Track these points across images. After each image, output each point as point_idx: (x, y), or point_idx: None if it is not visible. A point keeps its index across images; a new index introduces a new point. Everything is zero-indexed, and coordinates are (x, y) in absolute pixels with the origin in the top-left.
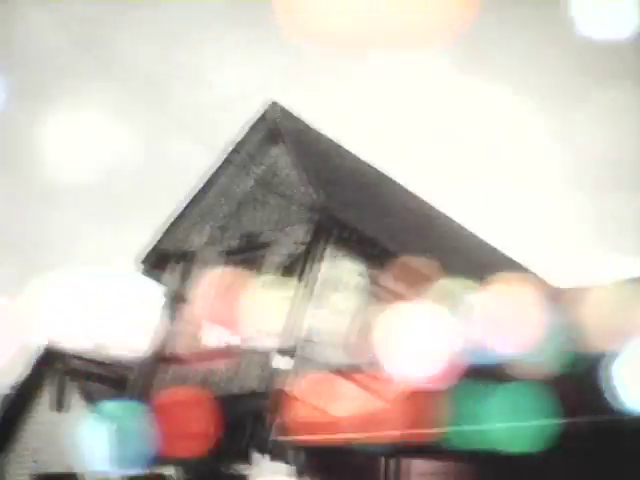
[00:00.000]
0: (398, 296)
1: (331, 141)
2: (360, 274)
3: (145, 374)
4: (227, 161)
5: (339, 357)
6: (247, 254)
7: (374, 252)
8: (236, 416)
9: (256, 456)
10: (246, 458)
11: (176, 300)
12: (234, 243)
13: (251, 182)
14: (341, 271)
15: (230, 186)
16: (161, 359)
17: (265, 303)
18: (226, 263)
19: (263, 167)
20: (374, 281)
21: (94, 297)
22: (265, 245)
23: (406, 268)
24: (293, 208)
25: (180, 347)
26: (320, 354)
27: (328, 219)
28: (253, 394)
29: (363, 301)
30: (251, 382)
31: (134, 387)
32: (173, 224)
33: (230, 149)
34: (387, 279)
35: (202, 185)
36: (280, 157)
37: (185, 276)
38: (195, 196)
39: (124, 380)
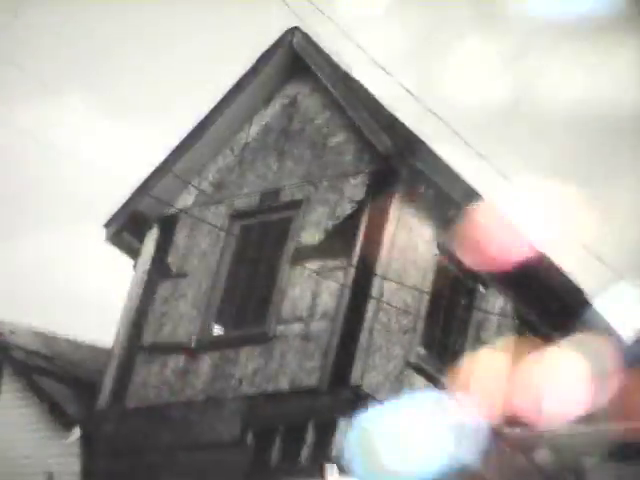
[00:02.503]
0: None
1: (360, 83)
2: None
3: (125, 369)
4: (225, 101)
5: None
6: (266, 216)
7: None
8: (286, 420)
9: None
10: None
11: (156, 274)
12: (241, 203)
13: (259, 127)
14: (413, 237)
15: (228, 132)
16: (144, 350)
17: (305, 282)
18: (232, 228)
19: (277, 108)
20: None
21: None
22: (294, 204)
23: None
24: (330, 157)
25: (172, 334)
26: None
27: (397, 168)
28: (310, 391)
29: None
30: (303, 376)
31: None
32: (150, 179)
33: (230, 86)
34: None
35: (189, 132)
36: (304, 95)
37: (166, 245)
38: (180, 145)
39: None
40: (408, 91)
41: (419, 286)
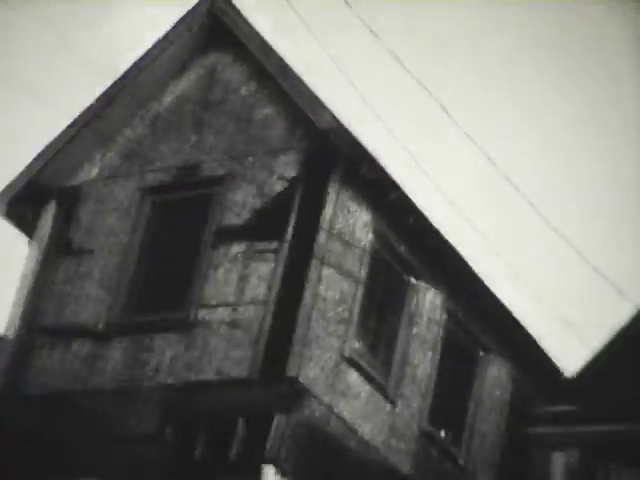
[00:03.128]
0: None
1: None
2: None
3: (21, 354)
4: (135, 68)
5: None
6: (183, 192)
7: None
8: (212, 413)
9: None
10: (240, 470)
11: (56, 252)
12: (153, 178)
13: (173, 97)
14: (351, 224)
15: (138, 102)
16: (44, 332)
17: (230, 265)
18: (143, 204)
19: (194, 77)
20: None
21: None
22: (215, 181)
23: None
24: (256, 132)
25: (76, 316)
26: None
27: (335, 144)
28: (239, 382)
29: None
30: (230, 366)
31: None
32: (50, 148)
33: (145, 50)
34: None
35: (95, 100)
36: (225, 65)
37: (67, 220)
38: (86, 111)
39: None
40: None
41: (356, 274)
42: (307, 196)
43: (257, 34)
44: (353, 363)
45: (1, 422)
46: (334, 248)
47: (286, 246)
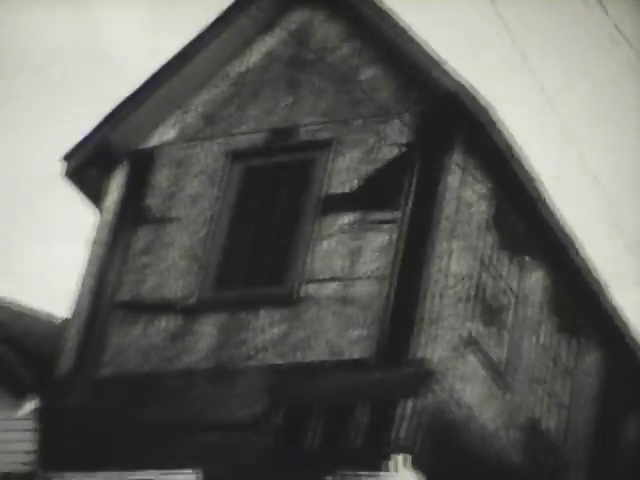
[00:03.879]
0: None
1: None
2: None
3: (94, 331)
4: (215, 25)
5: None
6: (278, 157)
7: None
8: (327, 397)
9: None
10: (363, 460)
11: (132, 220)
12: (243, 141)
13: (260, 55)
14: (475, 194)
15: (219, 60)
16: (121, 308)
17: (339, 236)
18: (232, 170)
19: (284, 34)
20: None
21: None
22: (316, 145)
23: None
24: (361, 93)
25: (158, 289)
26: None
27: (460, 107)
28: (357, 364)
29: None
30: (345, 346)
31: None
32: (122, 107)
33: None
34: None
35: (172, 57)
36: (320, 21)
37: (142, 185)
38: (160, 71)
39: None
40: None
41: (480, 250)
42: (427, 163)
43: None
44: (473, 345)
45: (74, 407)
46: (459, 220)
47: (405, 217)
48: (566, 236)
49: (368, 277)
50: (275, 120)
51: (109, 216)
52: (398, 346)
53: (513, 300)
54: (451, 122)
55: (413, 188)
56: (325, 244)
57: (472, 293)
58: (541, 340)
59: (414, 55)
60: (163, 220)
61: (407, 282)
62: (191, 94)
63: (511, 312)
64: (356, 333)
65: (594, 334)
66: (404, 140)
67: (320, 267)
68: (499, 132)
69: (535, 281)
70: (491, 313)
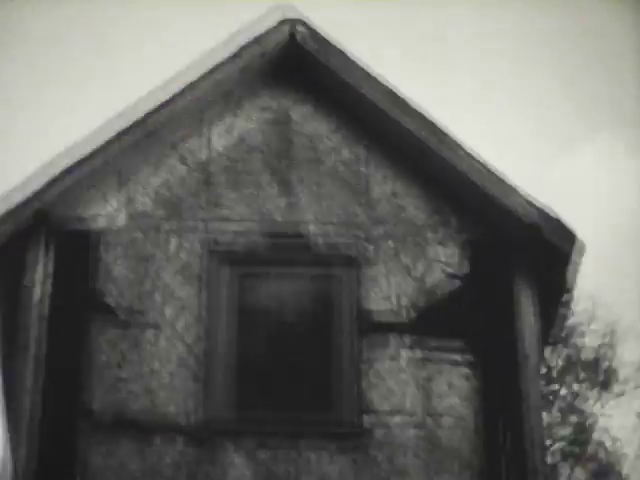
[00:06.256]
0: None
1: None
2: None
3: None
4: (177, 95)
5: None
6: (288, 268)
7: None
8: None
9: None
10: None
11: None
12: (232, 240)
13: (228, 140)
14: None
15: (172, 135)
16: (94, 421)
17: (394, 363)
18: (222, 272)
19: (255, 121)
20: None
21: None
22: (343, 260)
23: None
24: (385, 206)
25: (148, 405)
26: None
27: (537, 242)
28: None
29: None
30: None
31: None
32: (60, 175)
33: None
34: None
35: (137, 118)
36: (307, 113)
37: (83, 268)
38: (105, 145)
39: None
40: None
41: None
42: (493, 293)
43: (374, 78)
44: None
45: None
46: (538, 356)
47: (479, 350)
48: None
49: (442, 415)
50: (269, 222)
51: (36, 298)
52: None
53: None
54: (524, 253)
55: (482, 319)
56: (381, 370)
57: None
58: None
59: (462, 173)
60: (137, 323)
61: (495, 423)
62: (138, 171)
63: None
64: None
65: None
66: (456, 267)
67: (380, 396)
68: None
69: None
70: None
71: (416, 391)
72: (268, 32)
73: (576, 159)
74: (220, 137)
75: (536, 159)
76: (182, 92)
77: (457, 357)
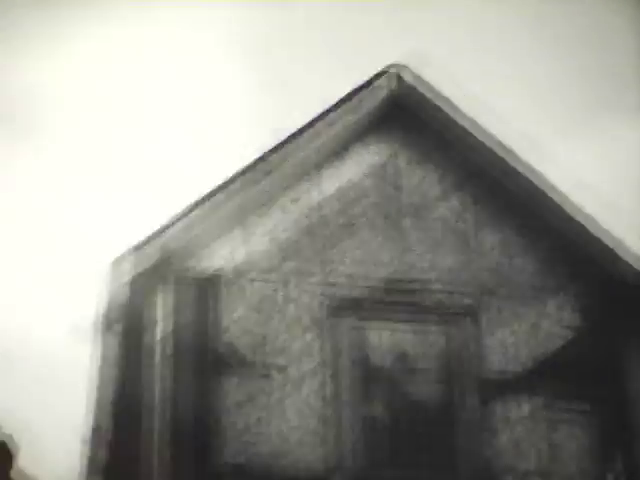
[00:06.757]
0: None
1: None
2: None
3: None
4: (289, 140)
5: None
6: (402, 315)
7: None
8: None
9: None
10: None
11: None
12: (347, 289)
13: (337, 186)
14: None
15: (289, 176)
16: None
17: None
18: (341, 322)
19: (362, 166)
20: None
21: None
22: (463, 311)
23: None
24: (499, 259)
25: (280, 455)
26: None
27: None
28: None
29: None
30: None
31: None
32: (182, 214)
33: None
34: None
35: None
36: (413, 162)
37: (205, 316)
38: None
39: None
40: None
41: None
42: (608, 349)
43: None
44: None
45: None
46: None
47: (594, 400)
48: None
49: (565, 464)
50: (384, 271)
51: (169, 350)
52: None
53: None
54: (632, 308)
55: (599, 376)
56: (509, 431)
57: None
58: None
59: (573, 228)
60: (264, 368)
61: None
62: (254, 212)
63: None
64: None
65: None
66: (571, 321)
67: (504, 453)
68: None
69: None
70: None
71: (538, 444)
72: (376, 80)
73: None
74: (330, 181)
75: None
76: (304, 139)
77: (574, 406)
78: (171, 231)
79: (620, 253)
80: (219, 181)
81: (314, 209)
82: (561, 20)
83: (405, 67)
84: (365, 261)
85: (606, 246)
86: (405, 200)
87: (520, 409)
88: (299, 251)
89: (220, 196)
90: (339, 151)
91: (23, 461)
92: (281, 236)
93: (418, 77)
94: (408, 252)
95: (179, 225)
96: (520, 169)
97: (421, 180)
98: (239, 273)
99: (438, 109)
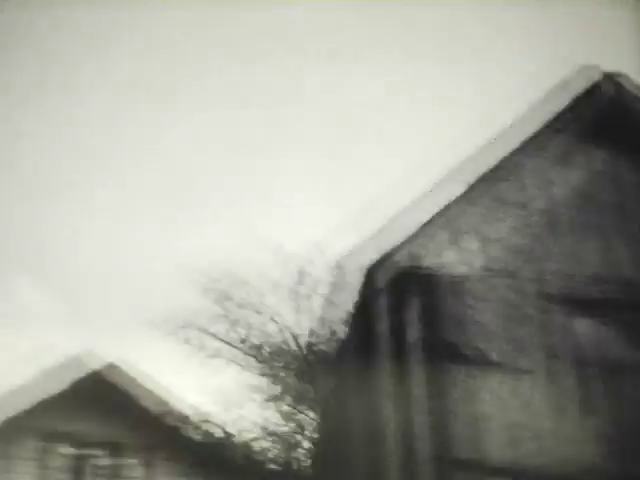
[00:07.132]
0: None
1: None
2: None
3: None
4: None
5: None
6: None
7: None
8: None
9: None
10: None
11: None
12: (568, 287)
13: (564, 190)
14: None
15: (513, 187)
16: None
17: None
18: (571, 321)
19: (583, 171)
20: None
21: None
22: None
23: None
24: None
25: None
26: None
27: None
28: None
29: None
30: None
31: None
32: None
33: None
34: None
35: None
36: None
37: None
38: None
39: None
40: None
41: None
42: None
43: None
44: None
45: None
46: None
47: None
48: None
49: None
50: (592, 269)
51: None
52: None
53: None
54: None
55: None
56: None
57: None
58: None
59: None
60: (511, 369)
61: None
62: (484, 219)
63: None
64: None
65: None
66: None
67: None
68: None
69: None
70: None
71: None
72: (596, 87)
73: None
74: (557, 188)
75: None
76: (530, 147)
77: None
78: (418, 240)
79: None
80: (456, 192)
81: (544, 215)
82: None
83: (624, 75)
84: (569, 260)
85: None
86: (629, 205)
87: None
88: (532, 255)
89: (456, 206)
90: (564, 158)
91: None
92: (512, 241)
93: (636, 84)
94: (611, 251)
95: (421, 233)
96: None
97: (635, 182)
98: (480, 277)
99: None
